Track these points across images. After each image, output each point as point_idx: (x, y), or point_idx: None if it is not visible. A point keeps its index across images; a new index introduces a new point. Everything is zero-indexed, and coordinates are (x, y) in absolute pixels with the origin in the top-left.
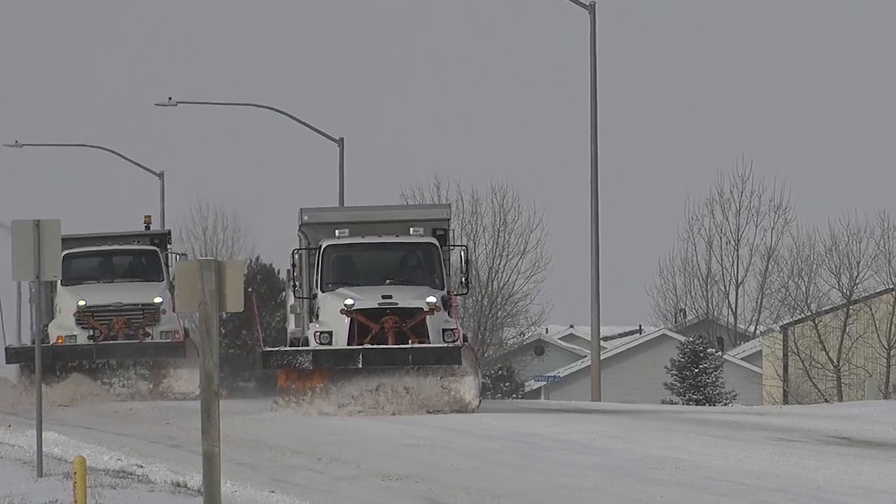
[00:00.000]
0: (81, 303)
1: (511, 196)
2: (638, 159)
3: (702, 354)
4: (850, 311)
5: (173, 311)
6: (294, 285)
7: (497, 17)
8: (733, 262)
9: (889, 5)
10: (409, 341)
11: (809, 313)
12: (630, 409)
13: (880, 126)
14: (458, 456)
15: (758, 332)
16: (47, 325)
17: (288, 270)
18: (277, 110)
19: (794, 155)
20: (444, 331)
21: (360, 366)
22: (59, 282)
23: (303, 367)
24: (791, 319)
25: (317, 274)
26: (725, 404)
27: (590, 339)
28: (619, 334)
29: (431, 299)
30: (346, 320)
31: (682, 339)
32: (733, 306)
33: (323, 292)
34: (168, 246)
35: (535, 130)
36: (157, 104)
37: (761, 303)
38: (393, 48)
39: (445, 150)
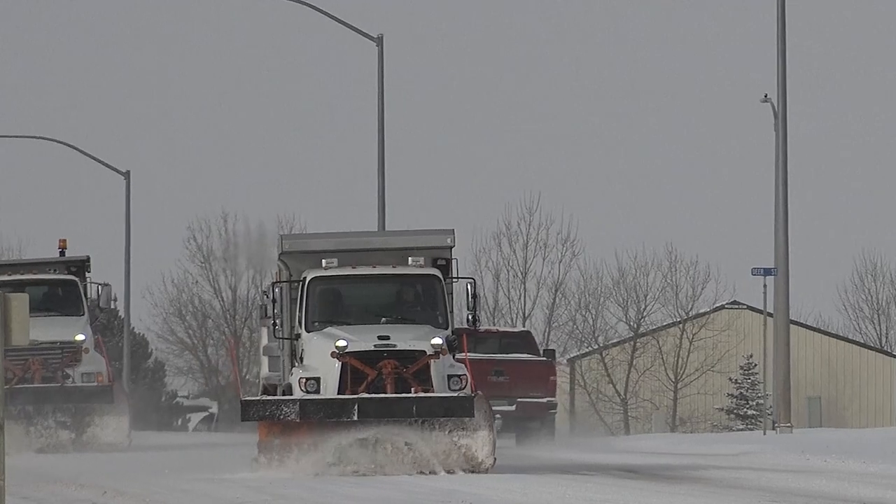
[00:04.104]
0: None
1: (299, 227)
2: (424, 192)
3: None
4: (638, 343)
5: (96, 349)
6: (274, 323)
7: (287, 48)
8: (520, 295)
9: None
10: (412, 389)
11: (596, 346)
12: None
13: (667, 160)
14: None
15: None
16: None
17: (261, 306)
18: (63, 143)
19: (581, 188)
20: (449, 377)
21: (356, 418)
22: None
23: (288, 419)
24: (578, 352)
25: (300, 311)
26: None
27: None
28: None
29: (437, 341)
30: (337, 365)
31: None
32: None
33: (308, 332)
34: (87, 274)
35: (322, 162)
36: None
37: (549, 336)
38: (183, 78)
39: (234, 182)
